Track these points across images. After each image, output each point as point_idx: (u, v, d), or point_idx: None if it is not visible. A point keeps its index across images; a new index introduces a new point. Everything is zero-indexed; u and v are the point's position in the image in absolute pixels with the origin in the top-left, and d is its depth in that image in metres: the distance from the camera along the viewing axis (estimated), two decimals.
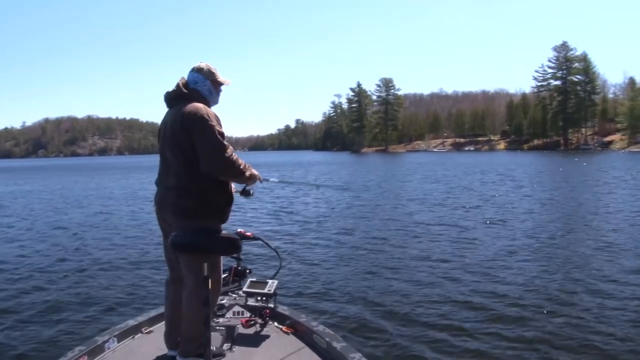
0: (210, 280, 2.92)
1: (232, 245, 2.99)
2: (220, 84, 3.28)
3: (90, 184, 35.44)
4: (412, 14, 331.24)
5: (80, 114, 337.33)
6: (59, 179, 43.48)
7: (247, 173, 3.16)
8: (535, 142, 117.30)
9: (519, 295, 6.88)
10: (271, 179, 3.74)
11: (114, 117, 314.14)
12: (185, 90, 3.12)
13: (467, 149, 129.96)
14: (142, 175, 45.98)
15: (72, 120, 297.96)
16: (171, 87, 3.20)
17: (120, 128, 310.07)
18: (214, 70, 3.23)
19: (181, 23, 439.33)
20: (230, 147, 3.03)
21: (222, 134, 3.01)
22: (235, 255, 3.15)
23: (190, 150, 2.97)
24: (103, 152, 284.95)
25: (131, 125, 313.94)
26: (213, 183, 3.05)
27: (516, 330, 5.62)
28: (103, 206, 20.17)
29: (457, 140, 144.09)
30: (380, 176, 36.35)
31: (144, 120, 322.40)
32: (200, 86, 3.17)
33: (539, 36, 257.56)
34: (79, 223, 15.12)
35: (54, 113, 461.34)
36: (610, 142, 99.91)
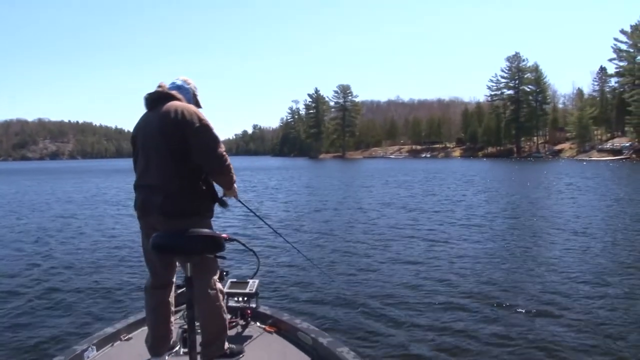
0: (209, 282, 3.06)
1: (215, 243, 2.80)
2: (198, 104, 3.34)
3: (56, 188, 34.64)
4: (369, 22, 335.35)
5: (30, 116, 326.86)
6: (17, 184, 41.98)
7: (235, 177, 3.27)
8: (490, 149, 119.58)
9: (489, 293, 7.17)
10: (245, 204, 3.66)
11: (66, 120, 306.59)
12: (170, 92, 3.15)
13: (423, 155, 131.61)
14: (107, 179, 45.31)
15: (22, 123, 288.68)
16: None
17: (73, 132, 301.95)
18: (196, 87, 3.38)
19: (135, 26, 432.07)
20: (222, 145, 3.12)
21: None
22: (219, 255, 2.97)
23: (178, 147, 2.97)
24: (55, 156, 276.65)
25: (84, 129, 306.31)
26: (199, 179, 3.08)
27: (492, 329, 5.73)
28: (66, 210, 19.63)
29: (414, 147, 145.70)
30: (342, 182, 36.72)
31: (97, 124, 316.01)
32: (184, 92, 3.23)
33: (492, 46, 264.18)
34: (44, 228, 14.65)
35: (2, 115, 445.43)
36: (560, 151, 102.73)
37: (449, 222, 14.35)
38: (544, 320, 5.97)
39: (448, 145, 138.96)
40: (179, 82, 3.27)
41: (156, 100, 3.13)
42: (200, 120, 3.00)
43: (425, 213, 16.64)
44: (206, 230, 2.88)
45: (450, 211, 16.93)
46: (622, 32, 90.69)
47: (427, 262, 9.26)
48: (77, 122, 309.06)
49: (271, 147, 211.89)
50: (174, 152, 2.97)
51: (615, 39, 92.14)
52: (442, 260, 9.37)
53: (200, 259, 2.97)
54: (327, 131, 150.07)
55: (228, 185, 3.29)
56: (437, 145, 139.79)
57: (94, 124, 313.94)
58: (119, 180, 40.44)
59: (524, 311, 6.27)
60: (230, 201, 3.41)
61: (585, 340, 5.31)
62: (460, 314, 6.23)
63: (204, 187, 3.11)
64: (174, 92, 3.15)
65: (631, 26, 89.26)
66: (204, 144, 3.00)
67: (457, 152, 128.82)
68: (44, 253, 10.79)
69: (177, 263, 3.23)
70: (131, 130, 3.29)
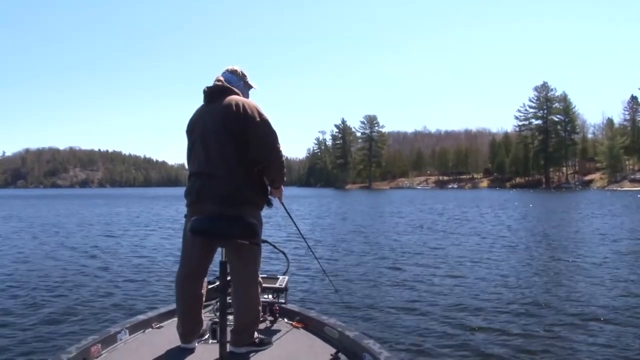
0: (250, 271, 3.16)
1: (251, 229, 2.93)
2: (250, 86, 3.50)
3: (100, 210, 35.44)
4: (396, 53, 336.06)
5: (62, 145, 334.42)
6: (60, 207, 43.04)
7: (285, 177, 3.37)
8: (518, 180, 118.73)
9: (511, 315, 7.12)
10: (285, 208, 3.67)
11: (96, 149, 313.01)
12: (228, 86, 3.27)
13: (450, 186, 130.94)
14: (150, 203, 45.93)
15: (54, 151, 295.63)
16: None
17: (102, 160, 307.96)
18: (245, 73, 3.46)
19: (161, 54, 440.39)
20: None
21: None
22: (254, 242, 3.08)
23: (240, 138, 3.09)
24: (84, 184, 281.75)
25: (113, 158, 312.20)
26: (257, 171, 3.19)
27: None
28: (104, 229, 20.94)
29: (441, 177, 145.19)
30: (372, 209, 37.13)
31: (127, 153, 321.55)
32: (235, 85, 3.33)
33: (520, 76, 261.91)
34: (89, 240, 16.14)
35: (34, 143, 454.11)
36: (590, 181, 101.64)
37: (480, 243, 14.51)
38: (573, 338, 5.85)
39: (475, 176, 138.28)
40: (229, 76, 3.37)
41: (215, 93, 3.24)
42: (260, 115, 3.13)
43: (456, 235, 16.80)
44: (245, 217, 2.99)
45: (482, 235, 17.04)
46: None
47: (455, 275, 9.57)
48: (107, 150, 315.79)
49: (298, 178, 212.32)
50: (237, 143, 3.08)
51: None
52: (472, 274, 9.67)
53: (244, 248, 3.05)
54: (353, 162, 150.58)
55: (278, 183, 3.36)
56: (464, 176, 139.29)
57: (123, 153, 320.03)
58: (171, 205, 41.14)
59: (548, 329, 6.21)
60: (272, 203, 3.42)
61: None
62: (486, 321, 6.43)
63: (260, 179, 3.22)
64: (232, 87, 3.27)
65: None
66: (263, 138, 3.13)
67: (484, 183, 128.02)
68: (88, 257, 12.33)
69: (213, 255, 3.27)
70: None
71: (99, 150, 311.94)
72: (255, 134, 3.10)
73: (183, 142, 3.37)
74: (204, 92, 3.29)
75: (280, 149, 3.20)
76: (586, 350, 5.34)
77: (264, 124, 3.13)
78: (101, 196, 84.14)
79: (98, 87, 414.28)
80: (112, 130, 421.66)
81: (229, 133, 3.08)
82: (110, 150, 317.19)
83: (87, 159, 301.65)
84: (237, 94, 3.25)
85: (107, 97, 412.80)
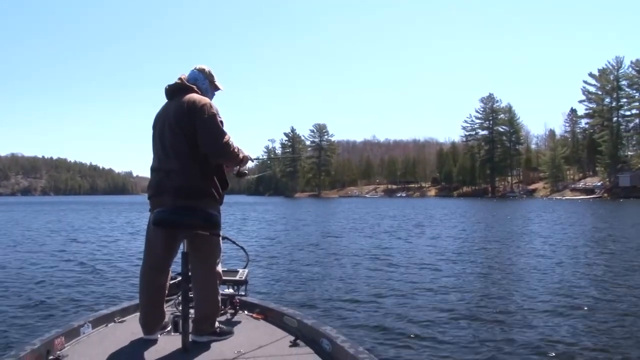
0: (210, 263, 3.28)
1: (211, 220, 3.11)
2: (217, 87, 3.61)
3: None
4: (345, 62, 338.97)
5: (2, 151, 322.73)
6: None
7: (241, 155, 3.43)
8: (465, 189, 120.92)
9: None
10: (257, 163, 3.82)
11: (39, 156, 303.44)
12: (188, 84, 3.39)
13: (399, 195, 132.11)
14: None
15: None
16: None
17: (46, 167, 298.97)
18: (213, 73, 3.56)
19: (108, 62, 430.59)
20: (228, 134, 3.29)
21: (221, 122, 3.30)
22: (215, 233, 3.19)
23: (193, 135, 3.20)
24: (26, 192, 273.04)
25: (58, 165, 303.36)
26: (212, 165, 3.30)
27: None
28: (57, 234, 20.98)
29: (389, 186, 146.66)
30: (317, 215, 38.06)
31: (72, 160, 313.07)
32: (200, 83, 3.46)
33: (466, 88, 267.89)
34: (44, 245, 16.59)
35: None
36: (534, 190, 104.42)
37: (429, 245, 14.67)
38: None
39: (423, 184, 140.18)
40: (195, 74, 3.49)
41: (175, 91, 3.38)
42: (209, 112, 3.22)
43: (405, 239, 17.02)
44: (206, 208, 3.16)
45: (432, 237, 17.23)
46: (591, 75, 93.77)
47: (403, 274, 10.11)
48: (51, 157, 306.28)
49: (247, 186, 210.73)
50: (189, 139, 3.20)
51: (585, 82, 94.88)
52: (421, 274, 10.14)
53: (204, 239, 3.19)
54: (302, 170, 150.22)
55: (238, 164, 3.49)
56: (413, 185, 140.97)
57: (68, 160, 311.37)
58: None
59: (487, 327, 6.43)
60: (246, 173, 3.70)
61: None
62: (430, 313, 6.92)
63: (217, 172, 3.34)
64: (191, 84, 3.39)
65: (599, 70, 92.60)
66: (208, 133, 3.22)
67: (432, 192, 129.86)
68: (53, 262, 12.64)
69: (176, 248, 3.36)
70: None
71: (43, 157, 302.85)
72: (201, 130, 3.19)
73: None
74: (165, 89, 3.43)
75: (228, 141, 3.25)
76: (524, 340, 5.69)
77: (210, 121, 3.21)
78: (46, 203, 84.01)
79: (42, 92, 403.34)
80: (57, 137, 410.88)
81: (181, 129, 3.21)
82: (55, 157, 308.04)
83: (29, 166, 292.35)
84: (197, 92, 3.36)
85: (51, 102, 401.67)
